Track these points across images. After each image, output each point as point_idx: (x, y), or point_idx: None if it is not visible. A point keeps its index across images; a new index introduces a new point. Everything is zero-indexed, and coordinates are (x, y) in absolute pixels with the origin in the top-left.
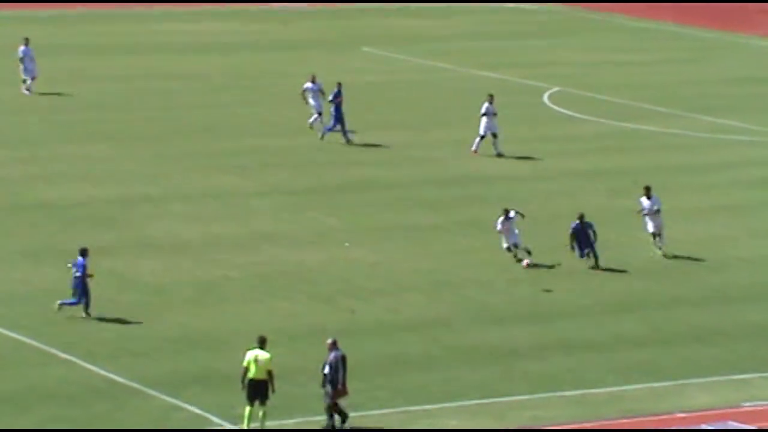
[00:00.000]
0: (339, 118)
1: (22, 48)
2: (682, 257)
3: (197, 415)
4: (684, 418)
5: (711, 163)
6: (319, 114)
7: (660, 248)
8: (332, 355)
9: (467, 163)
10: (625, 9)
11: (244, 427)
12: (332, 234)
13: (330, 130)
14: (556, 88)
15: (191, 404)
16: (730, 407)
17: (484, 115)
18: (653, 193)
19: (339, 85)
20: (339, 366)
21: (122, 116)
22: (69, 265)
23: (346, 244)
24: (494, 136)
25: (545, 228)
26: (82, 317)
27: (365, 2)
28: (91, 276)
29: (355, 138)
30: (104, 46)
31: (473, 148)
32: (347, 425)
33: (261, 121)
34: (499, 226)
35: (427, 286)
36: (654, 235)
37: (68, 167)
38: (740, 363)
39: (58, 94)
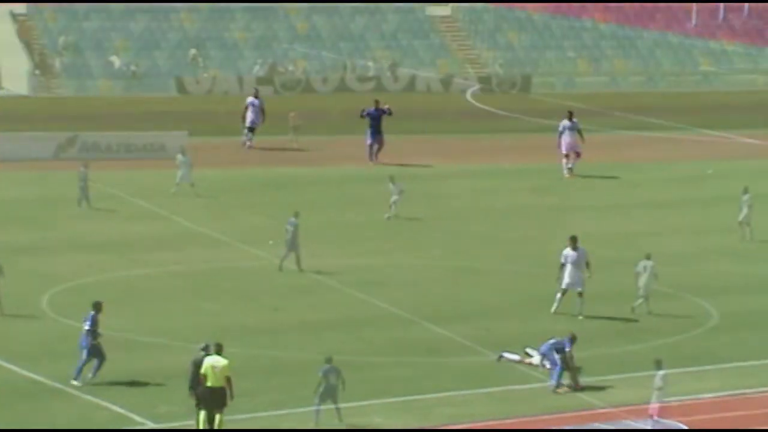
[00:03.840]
0: (374, 135)
1: None
2: (604, 253)
3: (120, 414)
4: (605, 413)
5: (635, 160)
6: (251, 130)
7: (580, 312)
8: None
9: (392, 160)
10: (550, 8)
11: (202, 427)
12: (256, 232)
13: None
14: (479, 86)
15: (114, 403)
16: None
17: (562, 132)
18: (579, 244)
19: (376, 102)
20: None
21: None
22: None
23: (270, 242)
24: (577, 155)
25: (469, 226)
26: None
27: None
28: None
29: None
30: None
31: (565, 171)
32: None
33: (184, 119)
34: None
35: (353, 284)
36: (563, 291)
37: None
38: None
39: None
